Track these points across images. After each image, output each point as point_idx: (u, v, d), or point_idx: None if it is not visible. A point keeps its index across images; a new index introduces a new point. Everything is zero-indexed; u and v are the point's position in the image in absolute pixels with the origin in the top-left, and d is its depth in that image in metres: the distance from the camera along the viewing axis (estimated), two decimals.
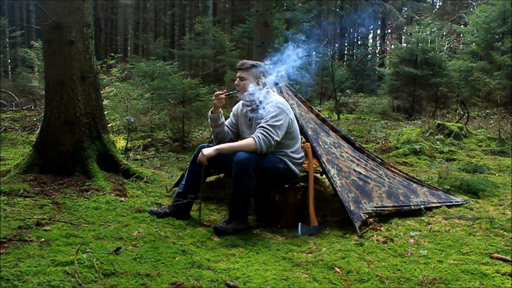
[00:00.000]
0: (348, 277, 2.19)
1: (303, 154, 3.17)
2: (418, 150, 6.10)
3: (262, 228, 3.04)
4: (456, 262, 2.36)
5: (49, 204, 3.15)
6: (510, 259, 2.36)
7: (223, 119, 3.17)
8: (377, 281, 2.13)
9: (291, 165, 3.03)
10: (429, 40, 12.12)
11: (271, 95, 3.06)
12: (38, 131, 4.73)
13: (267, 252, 2.55)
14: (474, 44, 13.20)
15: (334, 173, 3.13)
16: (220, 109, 3.11)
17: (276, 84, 3.32)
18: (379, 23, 24.53)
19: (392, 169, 3.77)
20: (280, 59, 3.00)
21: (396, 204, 3.25)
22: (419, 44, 11.95)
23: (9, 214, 2.84)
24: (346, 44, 25.19)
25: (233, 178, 2.81)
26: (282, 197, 3.10)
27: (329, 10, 21.32)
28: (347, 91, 14.58)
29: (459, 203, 3.66)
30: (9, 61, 18.18)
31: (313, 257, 2.48)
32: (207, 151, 2.82)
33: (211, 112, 3.11)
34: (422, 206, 3.36)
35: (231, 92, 3.21)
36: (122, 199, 3.45)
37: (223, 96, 3.05)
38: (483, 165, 5.52)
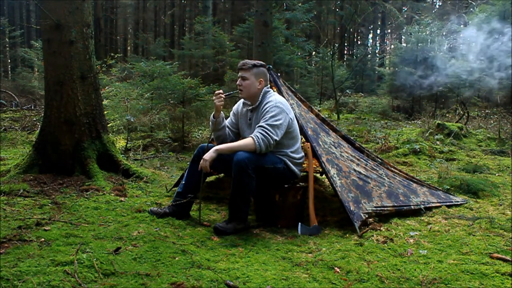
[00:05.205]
0: (348, 277, 2.19)
1: (303, 154, 3.17)
2: (418, 150, 6.10)
3: (262, 228, 3.04)
4: (456, 262, 2.36)
5: (49, 204, 3.15)
6: (510, 259, 2.36)
7: (225, 122, 3.18)
8: (377, 281, 2.13)
9: (291, 165, 3.03)
10: (429, 40, 12.12)
11: (271, 95, 3.06)
12: (38, 131, 4.73)
13: (267, 252, 2.55)
14: (474, 43, 13.19)
15: (334, 173, 3.13)
16: (221, 112, 3.11)
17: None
18: (379, 23, 24.54)
19: (392, 169, 3.77)
20: None
21: (396, 204, 3.25)
22: (419, 44, 11.96)
23: (9, 214, 2.84)
24: (346, 44, 25.21)
25: (233, 178, 2.81)
26: (282, 197, 3.10)
27: (329, 10, 21.31)
28: (347, 91, 14.58)
29: (459, 203, 3.66)
30: (9, 61, 18.17)
31: (313, 257, 2.48)
32: (208, 155, 2.80)
33: (213, 116, 3.12)
34: (422, 206, 3.36)
35: (230, 93, 3.23)
36: (122, 199, 3.45)
37: (223, 95, 3.05)
38: (483, 165, 5.52)
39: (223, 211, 3.42)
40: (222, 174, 3.91)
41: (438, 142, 6.81)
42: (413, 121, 10.51)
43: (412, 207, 3.32)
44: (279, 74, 3.69)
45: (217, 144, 3.05)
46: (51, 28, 3.73)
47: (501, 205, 3.67)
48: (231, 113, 3.33)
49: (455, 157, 6.13)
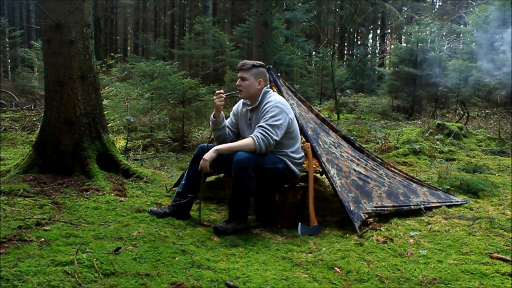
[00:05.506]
0: (348, 277, 2.19)
1: (303, 154, 3.17)
2: (418, 150, 6.10)
3: (262, 228, 3.04)
4: (456, 262, 2.36)
5: (49, 204, 3.15)
6: (510, 259, 2.36)
7: (225, 122, 3.18)
8: (377, 281, 2.13)
9: (291, 165, 3.03)
10: (429, 40, 12.13)
11: (271, 95, 3.06)
12: (38, 131, 4.73)
13: (267, 252, 2.55)
14: (474, 44, 13.20)
15: (334, 173, 3.13)
16: (221, 112, 3.11)
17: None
18: (379, 23, 24.55)
19: (392, 169, 3.77)
20: None
21: (396, 204, 3.25)
22: (419, 44, 11.96)
23: (9, 214, 2.84)
24: (346, 44, 25.21)
25: (233, 178, 2.81)
26: (282, 197, 3.10)
27: (329, 10, 21.31)
28: (347, 91, 14.59)
29: (459, 203, 3.66)
30: (9, 61, 18.17)
31: (313, 257, 2.48)
32: (208, 155, 2.80)
33: (213, 116, 3.12)
34: (422, 206, 3.36)
35: (231, 93, 3.24)
36: (122, 199, 3.45)
37: (223, 95, 3.06)
38: (483, 165, 5.52)
39: (223, 211, 3.42)
40: (222, 174, 3.91)
41: (438, 142, 6.81)
42: (413, 121, 10.51)
43: (412, 207, 3.32)
44: (279, 74, 3.69)
45: (217, 144, 3.05)
46: (51, 28, 3.73)
47: (501, 205, 3.67)
48: (231, 113, 3.33)
49: (455, 157, 6.13)
